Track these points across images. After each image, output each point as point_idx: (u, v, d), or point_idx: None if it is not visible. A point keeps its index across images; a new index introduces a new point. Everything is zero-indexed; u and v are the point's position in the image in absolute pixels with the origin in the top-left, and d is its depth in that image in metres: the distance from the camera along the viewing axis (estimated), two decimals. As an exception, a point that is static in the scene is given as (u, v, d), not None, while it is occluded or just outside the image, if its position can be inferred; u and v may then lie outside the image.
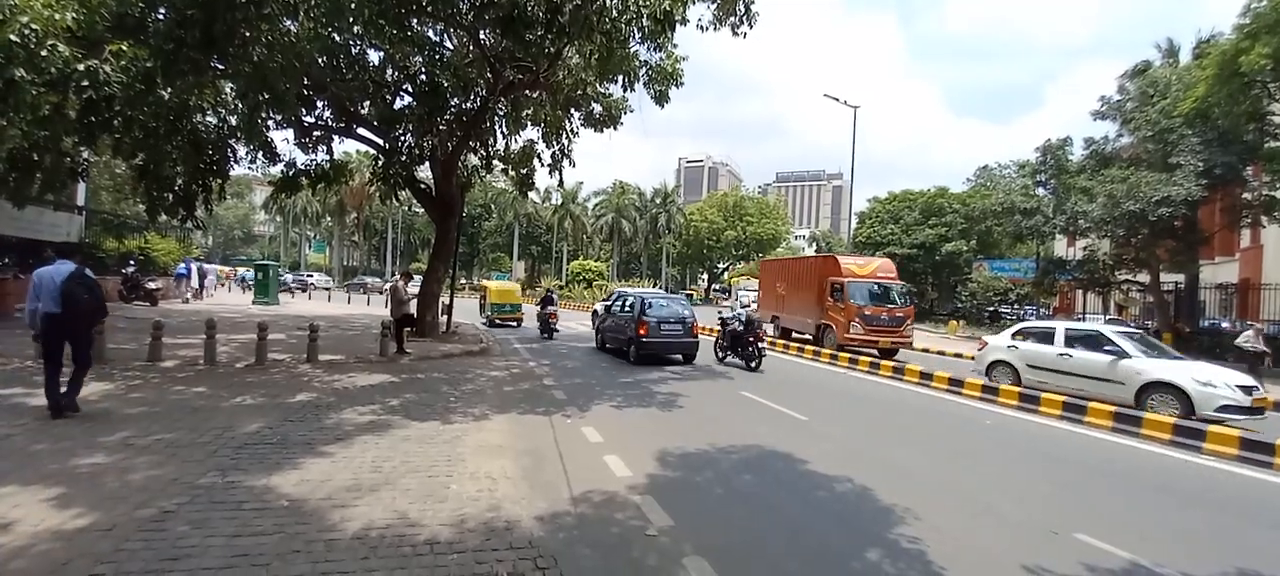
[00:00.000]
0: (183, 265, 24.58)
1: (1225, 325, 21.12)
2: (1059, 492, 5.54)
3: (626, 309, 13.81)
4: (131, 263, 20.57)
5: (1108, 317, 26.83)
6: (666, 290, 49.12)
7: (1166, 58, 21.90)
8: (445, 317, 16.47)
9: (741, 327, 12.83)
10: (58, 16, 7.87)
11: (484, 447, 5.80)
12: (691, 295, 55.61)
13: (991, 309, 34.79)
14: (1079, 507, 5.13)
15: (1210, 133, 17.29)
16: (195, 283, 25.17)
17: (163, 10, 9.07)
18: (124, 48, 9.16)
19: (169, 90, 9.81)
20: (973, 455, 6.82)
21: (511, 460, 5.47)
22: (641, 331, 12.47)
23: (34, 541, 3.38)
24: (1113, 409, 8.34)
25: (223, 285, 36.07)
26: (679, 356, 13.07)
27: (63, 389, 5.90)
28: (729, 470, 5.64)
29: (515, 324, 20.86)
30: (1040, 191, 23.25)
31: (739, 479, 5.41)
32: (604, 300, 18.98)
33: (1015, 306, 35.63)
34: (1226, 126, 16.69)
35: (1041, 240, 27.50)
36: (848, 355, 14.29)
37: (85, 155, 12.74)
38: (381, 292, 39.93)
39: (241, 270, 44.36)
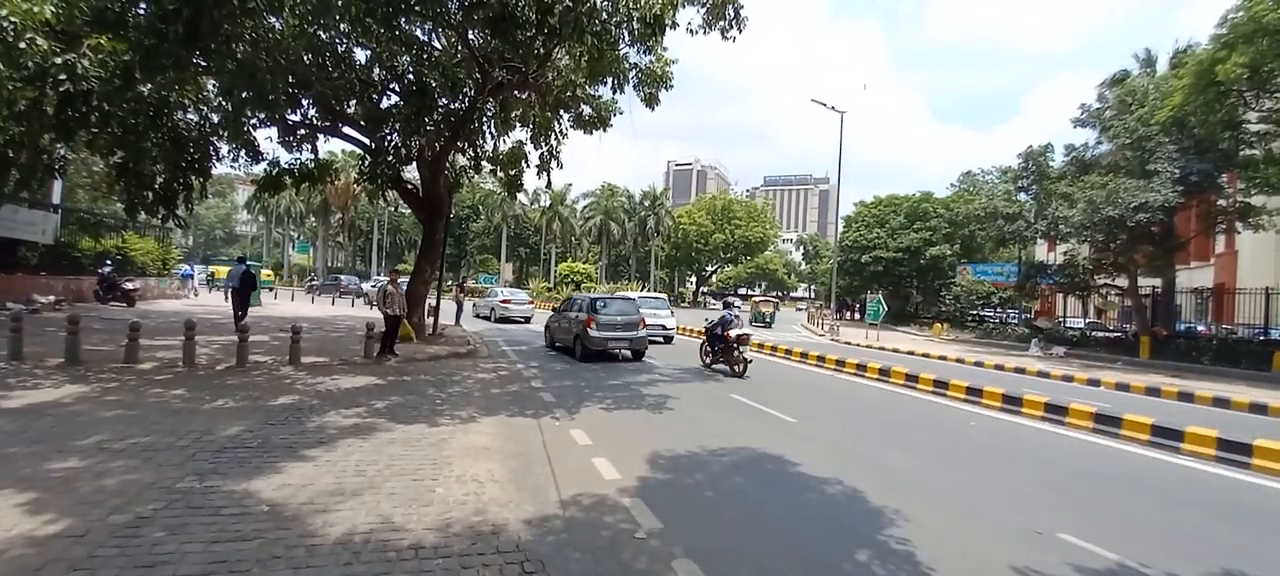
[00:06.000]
0: (187, 267, 24.72)
1: (1201, 328, 21.58)
2: (1043, 493, 5.60)
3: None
4: (108, 262, 20.13)
5: (1088, 321, 27.33)
6: (654, 292, 48.73)
7: (1144, 67, 22.40)
8: (432, 319, 16.33)
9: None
10: (36, 9, 7.71)
11: (471, 450, 5.74)
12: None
13: (975, 312, 35.29)
14: (1062, 508, 5.19)
15: (1187, 140, 17.70)
16: (196, 283, 26.26)
17: (144, 4, 8.89)
18: (103, 41, 8.97)
19: (148, 86, 9.61)
20: (958, 456, 6.89)
21: (499, 463, 5.41)
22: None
23: (5, 547, 3.28)
24: (1093, 410, 8.46)
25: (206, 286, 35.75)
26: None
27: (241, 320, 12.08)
28: (719, 472, 5.63)
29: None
30: (1022, 197, 23.63)
31: (729, 481, 5.40)
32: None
33: (998, 309, 36.18)
34: (1203, 134, 17.08)
35: (1023, 245, 27.96)
36: (835, 358, 14.38)
37: (62, 151, 12.46)
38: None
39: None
